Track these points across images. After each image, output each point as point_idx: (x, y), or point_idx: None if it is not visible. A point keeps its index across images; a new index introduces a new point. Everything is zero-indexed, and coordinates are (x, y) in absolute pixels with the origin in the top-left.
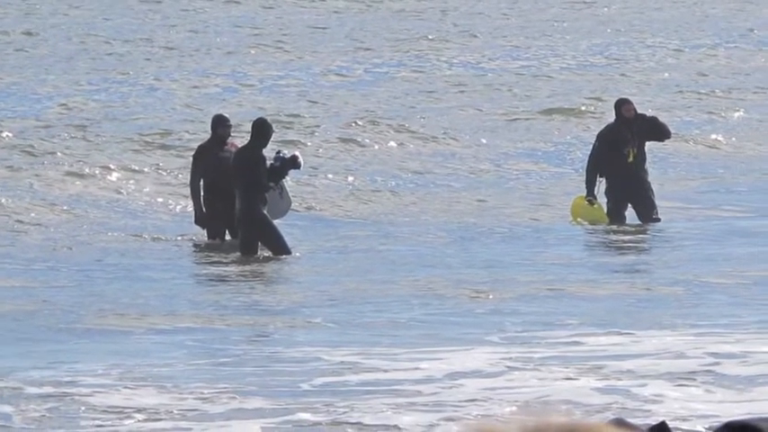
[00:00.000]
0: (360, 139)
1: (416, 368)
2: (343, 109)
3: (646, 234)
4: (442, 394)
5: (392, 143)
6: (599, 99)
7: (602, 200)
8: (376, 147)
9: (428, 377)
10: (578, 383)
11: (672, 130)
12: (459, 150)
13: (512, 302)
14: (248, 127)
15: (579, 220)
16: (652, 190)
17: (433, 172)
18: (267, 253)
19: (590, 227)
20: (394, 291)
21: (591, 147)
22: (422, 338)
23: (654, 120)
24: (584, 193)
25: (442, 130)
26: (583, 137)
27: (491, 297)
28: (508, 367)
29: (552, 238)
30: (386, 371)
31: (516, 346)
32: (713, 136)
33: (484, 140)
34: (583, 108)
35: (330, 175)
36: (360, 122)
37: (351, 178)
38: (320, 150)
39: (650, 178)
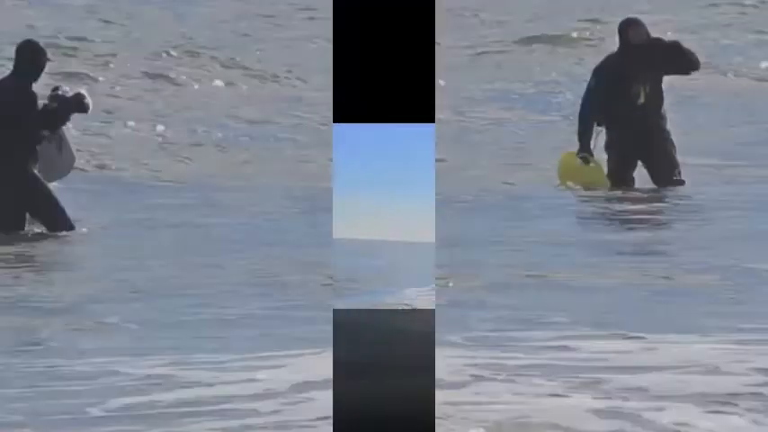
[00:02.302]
0: (173, 75)
1: (251, 379)
2: (149, 33)
3: (664, 202)
4: (286, 412)
5: (218, 82)
6: (596, 21)
7: (600, 156)
8: (196, 86)
9: (267, 391)
10: (570, 402)
11: (701, 59)
12: (309, 95)
13: None
14: (11, 53)
15: (569, 183)
16: (672, 142)
17: (274, 122)
18: (39, 228)
19: (584, 193)
20: (221, 278)
21: (585, 86)
22: (259, 340)
23: (675, 45)
24: (576, 149)
25: (285, 68)
26: (574, 73)
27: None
28: None
29: (532, 208)
30: (210, 385)
31: None
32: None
33: None
34: (574, 35)
35: (131, 123)
36: (173, 52)
37: (161, 127)
38: (117, 88)
39: (670, 126)
